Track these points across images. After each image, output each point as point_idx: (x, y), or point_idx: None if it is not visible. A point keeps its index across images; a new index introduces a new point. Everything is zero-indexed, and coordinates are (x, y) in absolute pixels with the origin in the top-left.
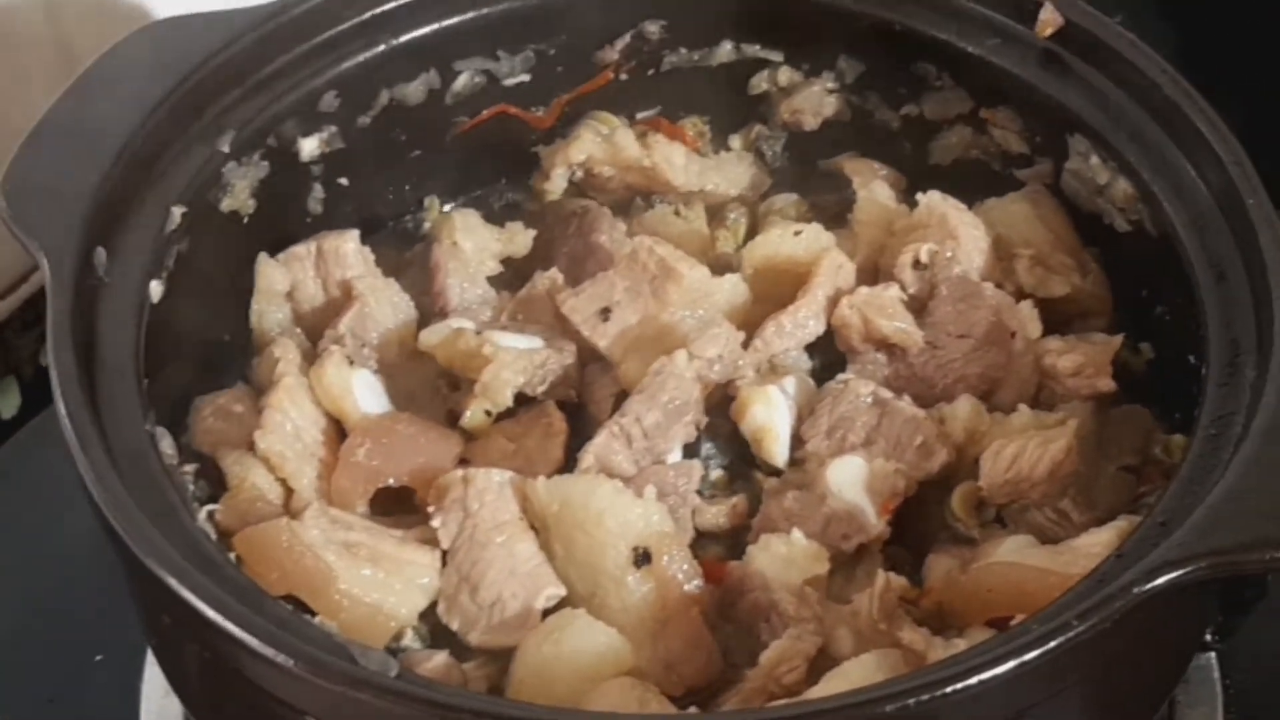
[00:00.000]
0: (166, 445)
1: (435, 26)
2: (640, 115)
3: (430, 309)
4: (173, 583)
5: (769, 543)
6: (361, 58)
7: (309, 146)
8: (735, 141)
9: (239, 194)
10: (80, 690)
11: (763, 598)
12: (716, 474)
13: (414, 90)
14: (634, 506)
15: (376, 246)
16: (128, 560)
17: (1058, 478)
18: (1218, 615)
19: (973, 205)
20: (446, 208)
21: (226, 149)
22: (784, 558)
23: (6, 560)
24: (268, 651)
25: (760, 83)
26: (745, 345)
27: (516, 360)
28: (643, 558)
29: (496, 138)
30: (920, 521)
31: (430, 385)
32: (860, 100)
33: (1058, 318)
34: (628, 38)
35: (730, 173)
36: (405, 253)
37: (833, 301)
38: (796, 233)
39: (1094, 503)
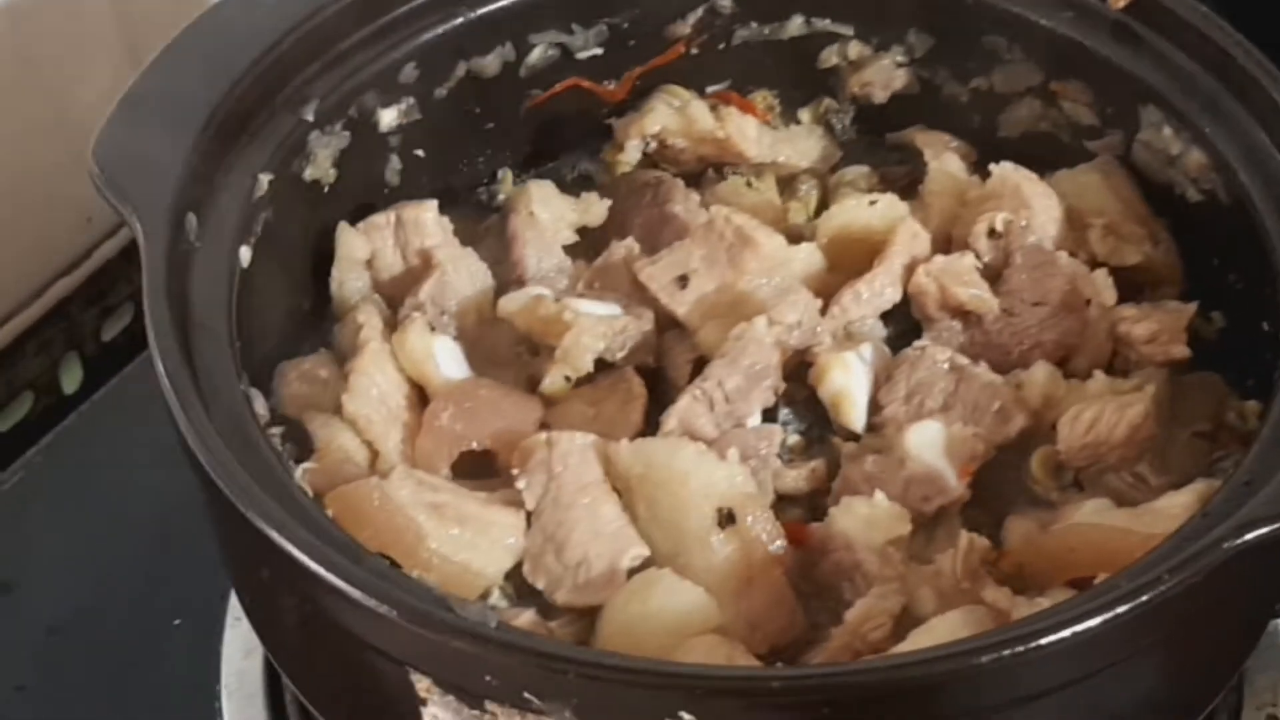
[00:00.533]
0: (260, 406)
1: (511, 0)
2: (710, 89)
3: (507, 278)
4: (276, 536)
5: (851, 504)
6: (440, 30)
7: (388, 117)
8: (804, 115)
9: (321, 163)
10: (159, 655)
11: (846, 558)
12: (794, 439)
13: (490, 63)
14: (718, 468)
15: (451, 217)
16: (229, 516)
17: (1135, 442)
18: None
19: (1043, 177)
20: (520, 179)
21: (311, 118)
22: (866, 519)
23: (78, 531)
24: (371, 602)
25: (830, 56)
26: (822, 313)
27: (596, 326)
28: (727, 518)
29: (569, 110)
30: (998, 485)
31: (508, 352)
32: (929, 74)
33: (1129, 287)
34: (700, 11)
35: (801, 145)
36: (480, 223)
37: (908, 270)
38: (872, 202)
39: (1169, 467)
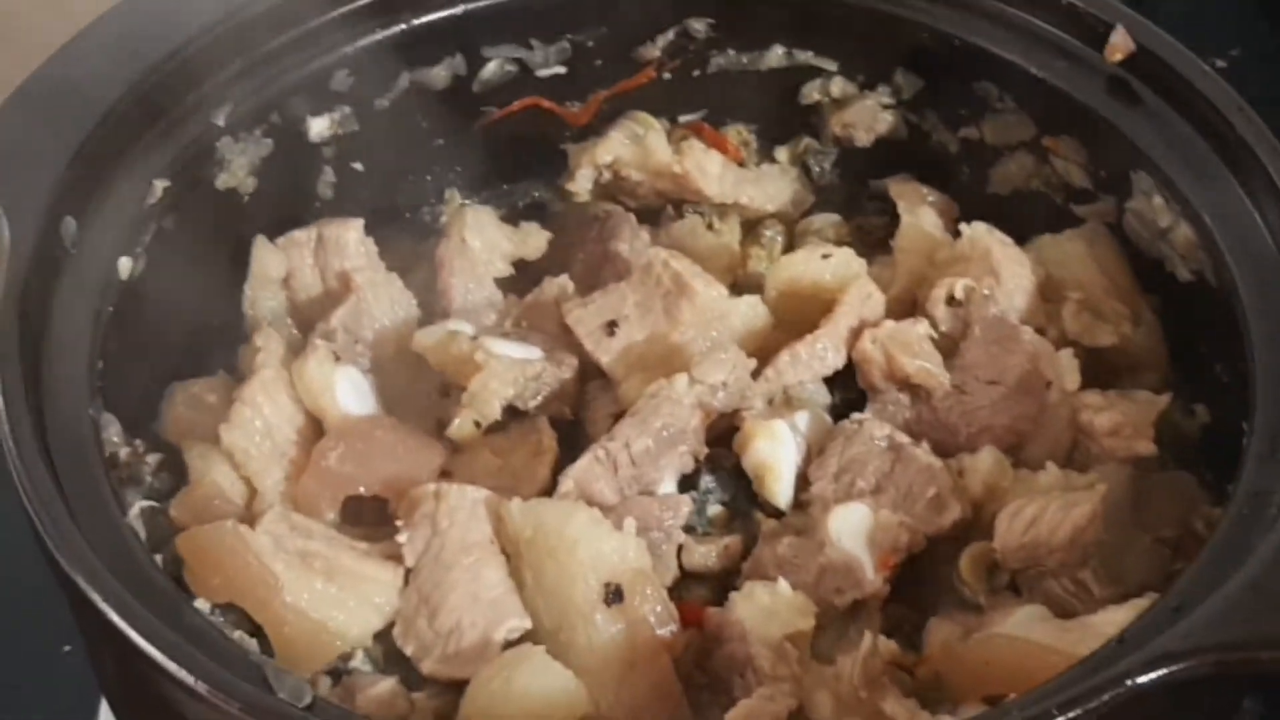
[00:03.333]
0: (113, 433)
1: (460, 9)
2: (683, 118)
3: (433, 309)
4: (81, 582)
5: (753, 591)
6: (378, 36)
7: (318, 126)
8: (781, 154)
9: (237, 171)
10: (47, 679)
11: (739, 650)
12: (715, 510)
13: (437, 75)
14: (610, 539)
15: (389, 238)
16: (43, 550)
17: (1079, 545)
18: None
19: (1028, 240)
20: (468, 202)
21: (222, 122)
22: (766, 608)
23: None
24: (172, 667)
25: (812, 92)
26: (758, 374)
27: (508, 370)
28: (614, 595)
29: (527, 132)
30: (929, 580)
31: (423, 390)
32: (917, 118)
33: (1107, 370)
34: (671, 34)
35: (769, 187)
36: (419, 246)
37: (856, 333)
38: (825, 256)
39: (1121, 576)
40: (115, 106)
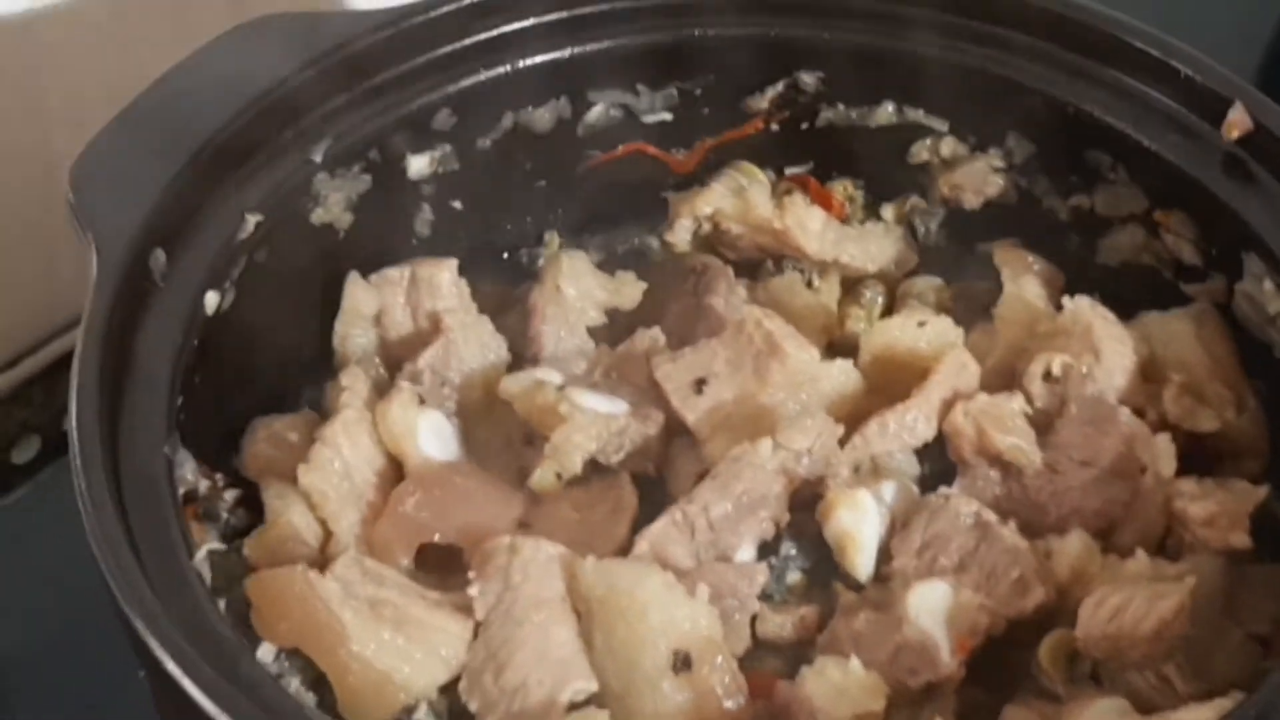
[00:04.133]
0: (188, 470)
1: (567, 53)
2: (789, 171)
3: (523, 354)
4: (140, 627)
5: (825, 667)
6: (482, 76)
7: (418, 164)
8: (887, 212)
9: (332, 207)
10: (122, 704)
11: None
12: (795, 577)
13: (541, 117)
14: (682, 605)
15: (485, 279)
16: (106, 592)
17: (1164, 639)
18: None
19: (1134, 315)
20: (567, 245)
21: (319, 159)
22: (837, 686)
23: (53, 570)
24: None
25: (921, 151)
26: (846, 441)
27: (592, 424)
28: (683, 663)
29: (630, 177)
30: (1006, 665)
31: (507, 436)
32: (1028, 183)
33: (1207, 454)
34: (781, 86)
35: (872, 246)
36: (514, 289)
37: (948, 404)
38: (921, 323)
39: (1208, 672)
40: (212, 139)
